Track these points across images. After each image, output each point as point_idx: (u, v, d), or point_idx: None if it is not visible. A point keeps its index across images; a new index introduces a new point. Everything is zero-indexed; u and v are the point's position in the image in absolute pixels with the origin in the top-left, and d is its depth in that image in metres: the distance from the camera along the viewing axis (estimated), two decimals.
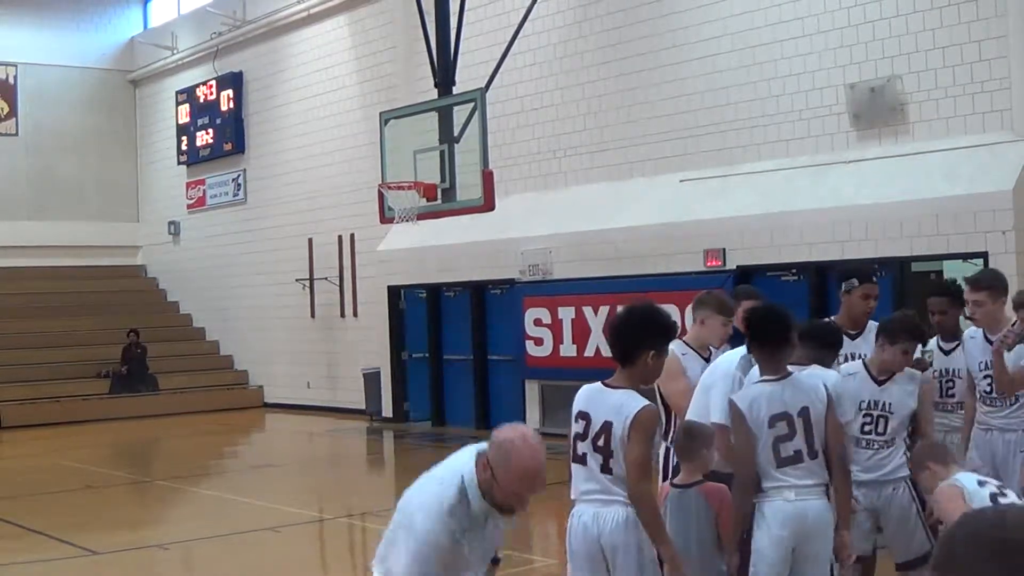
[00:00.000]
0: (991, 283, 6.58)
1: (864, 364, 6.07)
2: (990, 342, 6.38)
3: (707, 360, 6.27)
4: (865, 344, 6.43)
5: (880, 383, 5.97)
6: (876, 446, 5.95)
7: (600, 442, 4.80)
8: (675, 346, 6.47)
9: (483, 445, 4.14)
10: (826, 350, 5.89)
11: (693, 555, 5.26)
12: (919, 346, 6.22)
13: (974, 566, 1.63)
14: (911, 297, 11.22)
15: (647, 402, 4.82)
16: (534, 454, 4.01)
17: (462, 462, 4.11)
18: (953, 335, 6.85)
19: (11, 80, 25.38)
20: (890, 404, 5.95)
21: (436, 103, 13.63)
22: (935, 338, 6.83)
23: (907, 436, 6.01)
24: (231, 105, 23.03)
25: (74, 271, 24.98)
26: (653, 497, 4.88)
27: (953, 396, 6.70)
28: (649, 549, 4.82)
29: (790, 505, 5.12)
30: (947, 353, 6.77)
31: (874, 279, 6.72)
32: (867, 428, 5.97)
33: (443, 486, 4.05)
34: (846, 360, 6.35)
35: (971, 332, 6.61)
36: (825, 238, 12.75)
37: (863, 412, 5.99)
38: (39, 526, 10.93)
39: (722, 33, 14.23)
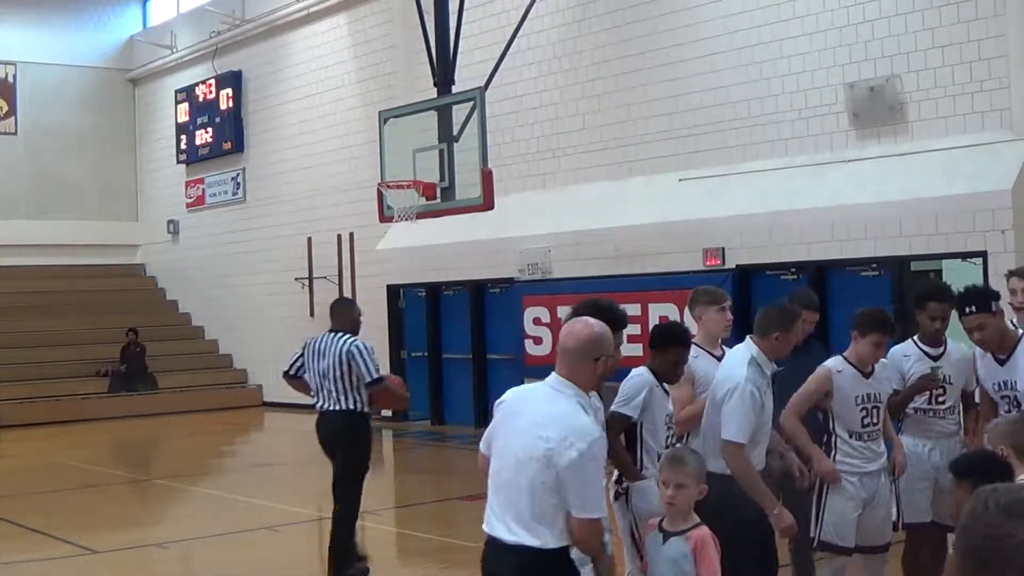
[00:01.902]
0: None
1: (847, 360, 6.26)
2: None
3: (719, 358, 6.20)
4: (1013, 371, 6.20)
5: (867, 376, 6.27)
6: (876, 435, 6.25)
7: None
8: None
9: (573, 394, 4.28)
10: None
11: None
12: (932, 362, 6.45)
13: None
14: (911, 297, 11.18)
15: None
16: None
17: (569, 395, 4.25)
18: (941, 341, 6.74)
19: (10, 79, 25.38)
20: (879, 394, 6.28)
21: (435, 102, 13.61)
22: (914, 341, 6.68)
23: None
24: (230, 104, 23.02)
25: (73, 270, 24.96)
26: None
27: (944, 403, 6.58)
28: None
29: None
30: (935, 359, 6.67)
31: (969, 311, 6.12)
32: (866, 421, 6.22)
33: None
34: (999, 388, 6.24)
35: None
36: (824, 237, 12.75)
37: (859, 406, 6.22)
38: (38, 525, 10.92)
39: (721, 32, 14.24)
